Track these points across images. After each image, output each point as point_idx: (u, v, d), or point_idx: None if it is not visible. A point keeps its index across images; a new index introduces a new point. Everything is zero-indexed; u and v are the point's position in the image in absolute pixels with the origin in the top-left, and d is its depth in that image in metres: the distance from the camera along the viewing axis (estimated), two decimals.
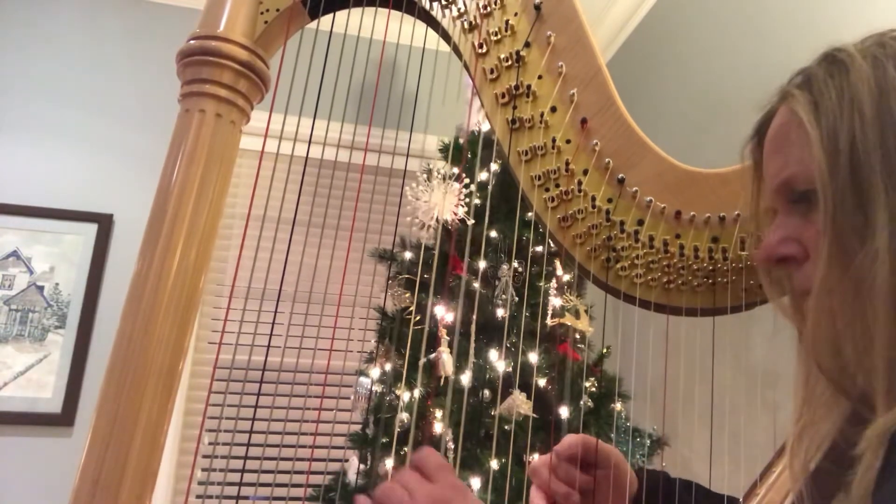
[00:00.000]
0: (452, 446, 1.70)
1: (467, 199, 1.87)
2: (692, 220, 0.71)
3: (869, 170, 0.47)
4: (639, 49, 2.63)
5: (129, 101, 2.64)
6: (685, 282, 0.72)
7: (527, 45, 0.74)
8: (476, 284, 1.87)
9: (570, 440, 0.80)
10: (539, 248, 1.97)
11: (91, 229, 2.48)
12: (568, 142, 0.74)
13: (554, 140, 0.73)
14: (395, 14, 0.75)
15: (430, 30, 0.78)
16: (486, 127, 2.08)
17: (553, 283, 1.94)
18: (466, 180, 1.91)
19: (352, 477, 1.87)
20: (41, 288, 2.41)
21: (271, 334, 0.83)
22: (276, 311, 0.82)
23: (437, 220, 1.88)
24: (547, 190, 0.74)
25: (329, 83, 0.74)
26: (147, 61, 2.68)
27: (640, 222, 0.72)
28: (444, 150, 2.08)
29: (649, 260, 0.72)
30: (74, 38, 2.64)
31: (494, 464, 1.71)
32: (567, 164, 0.73)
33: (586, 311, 1.99)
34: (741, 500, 0.71)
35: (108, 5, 2.69)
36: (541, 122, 0.74)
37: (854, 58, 0.51)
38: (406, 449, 1.76)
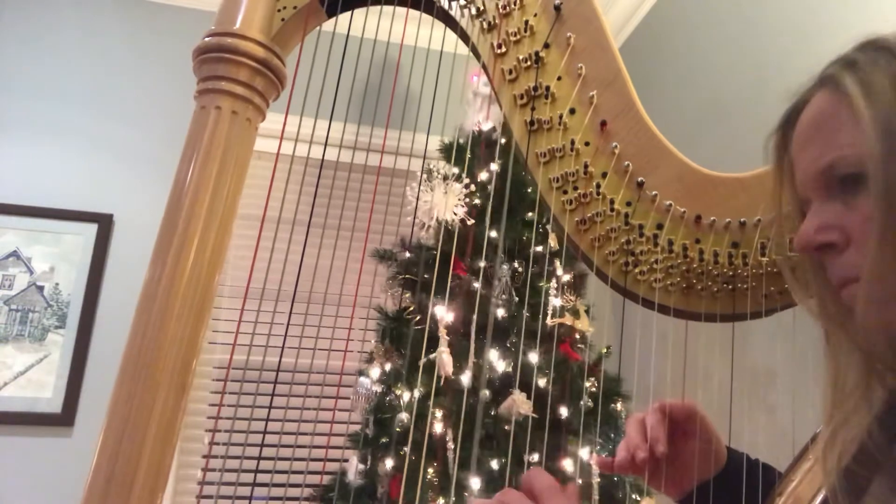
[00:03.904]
0: (452, 446, 1.69)
1: (467, 199, 1.87)
2: (712, 224, 0.71)
3: None
4: (638, 49, 2.63)
5: (129, 101, 2.62)
6: (704, 287, 0.71)
7: (546, 45, 0.73)
8: (476, 284, 1.86)
9: (675, 403, 0.76)
10: (539, 248, 1.97)
11: (91, 229, 2.47)
12: (587, 144, 0.73)
13: (573, 142, 0.73)
14: (392, 14, 0.74)
15: (428, 30, 0.77)
16: (486, 127, 2.08)
17: (553, 283, 1.94)
18: (467, 180, 1.90)
19: (351, 477, 1.86)
20: (41, 288, 2.40)
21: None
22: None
23: (437, 220, 1.88)
24: (565, 192, 0.73)
25: (330, 84, 0.73)
26: (148, 61, 2.67)
27: (660, 226, 0.72)
28: (444, 150, 2.08)
29: (668, 265, 0.72)
30: (75, 37, 2.62)
31: (494, 464, 1.71)
32: (586, 166, 0.72)
33: (586, 311, 1.99)
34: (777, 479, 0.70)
35: (108, 5, 2.67)
36: (559, 124, 0.73)
37: None
38: (406, 449, 1.75)
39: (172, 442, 0.62)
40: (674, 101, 2.28)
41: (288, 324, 0.77)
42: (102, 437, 0.59)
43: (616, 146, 0.72)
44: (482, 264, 1.87)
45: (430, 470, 1.68)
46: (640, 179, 0.72)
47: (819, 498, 0.60)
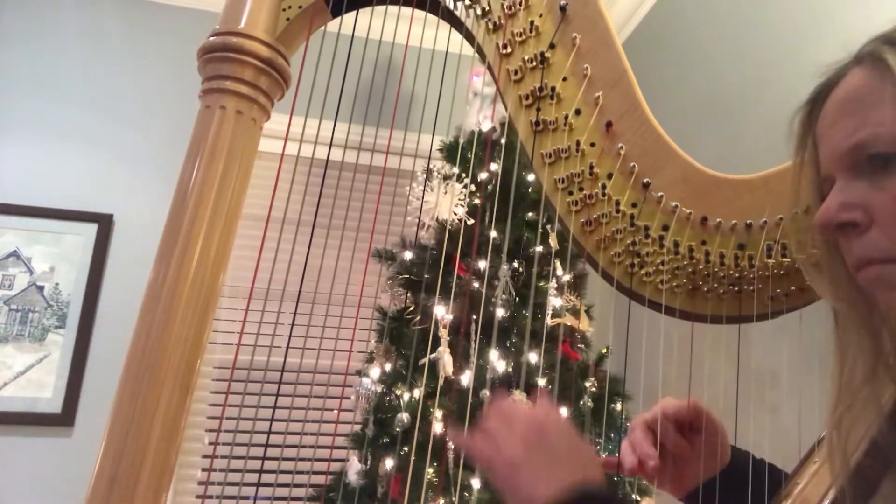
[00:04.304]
0: (452, 446, 1.69)
1: (467, 200, 1.86)
2: (718, 226, 0.70)
3: None
4: (638, 48, 2.62)
5: (129, 101, 2.62)
6: (710, 289, 0.71)
7: (551, 46, 0.73)
8: (476, 284, 1.86)
9: (681, 403, 0.75)
10: (540, 248, 1.97)
11: (91, 229, 2.46)
12: (592, 145, 0.72)
13: (578, 143, 0.72)
14: (397, 15, 0.74)
15: (432, 31, 0.76)
16: (485, 127, 2.08)
17: (553, 283, 1.94)
18: (466, 180, 1.90)
19: (352, 477, 1.86)
20: (41, 288, 2.39)
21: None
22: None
23: (437, 220, 1.88)
24: (570, 193, 0.73)
25: (326, 83, 0.73)
26: (148, 61, 2.67)
27: (666, 228, 0.71)
28: (446, 150, 2.07)
29: (674, 266, 0.71)
30: (75, 37, 2.62)
31: None
32: (591, 167, 0.72)
33: (586, 312, 1.98)
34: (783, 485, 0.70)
35: (108, 5, 2.67)
36: (565, 125, 0.73)
37: None
38: (406, 449, 1.75)
39: (177, 442, 0.62)
40: (674, 100, 2.28)
41: (293, 324, 0.77)
42: (106, 438, 0.59)
43: (622, 147, 0.72)
44: (482, 264, 1.87)
45: (430, 470, 1.68)
46: (645, 180, 0.71)
47: (827, 501, 0.59)
